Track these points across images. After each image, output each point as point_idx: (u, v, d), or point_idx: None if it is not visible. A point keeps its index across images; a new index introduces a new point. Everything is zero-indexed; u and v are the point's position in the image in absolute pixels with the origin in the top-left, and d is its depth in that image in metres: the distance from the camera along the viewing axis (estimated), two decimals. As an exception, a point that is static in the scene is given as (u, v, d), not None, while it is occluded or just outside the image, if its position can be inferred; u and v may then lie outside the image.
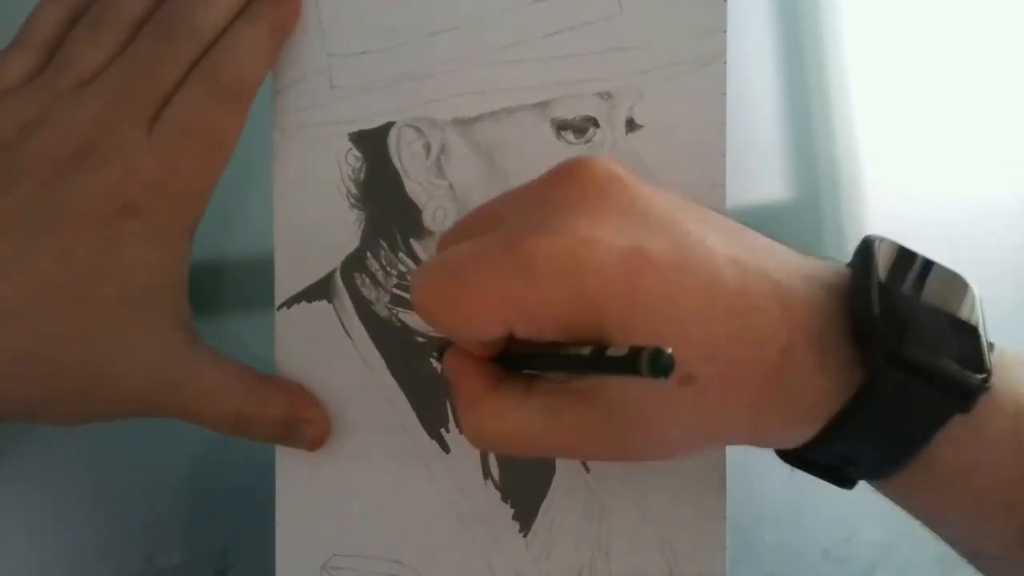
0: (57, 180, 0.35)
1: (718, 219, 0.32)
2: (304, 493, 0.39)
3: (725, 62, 0.38)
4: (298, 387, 0.39)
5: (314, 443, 0.39)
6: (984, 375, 0.30)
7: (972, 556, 0.34)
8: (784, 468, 0.33)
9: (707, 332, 0.29)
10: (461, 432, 0.33)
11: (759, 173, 0.49)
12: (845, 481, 0.33)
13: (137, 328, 0.35)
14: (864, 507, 0.33)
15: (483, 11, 0.38)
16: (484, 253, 0.30)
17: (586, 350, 0.28)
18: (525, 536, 0.39)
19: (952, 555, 0.34)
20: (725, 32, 0.38)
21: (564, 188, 0.31)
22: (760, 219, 0.48)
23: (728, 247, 0.30)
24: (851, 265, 0.32)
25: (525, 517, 0.39)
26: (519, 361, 0.33)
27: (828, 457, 0.32)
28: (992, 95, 0.51)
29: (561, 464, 0.39)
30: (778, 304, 0.30)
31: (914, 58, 0.50)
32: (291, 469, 0.39)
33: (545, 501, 0.39)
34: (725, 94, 0.38)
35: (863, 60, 0.50)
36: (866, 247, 0.32)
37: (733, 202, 0.39)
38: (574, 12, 0.38)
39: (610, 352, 0.27)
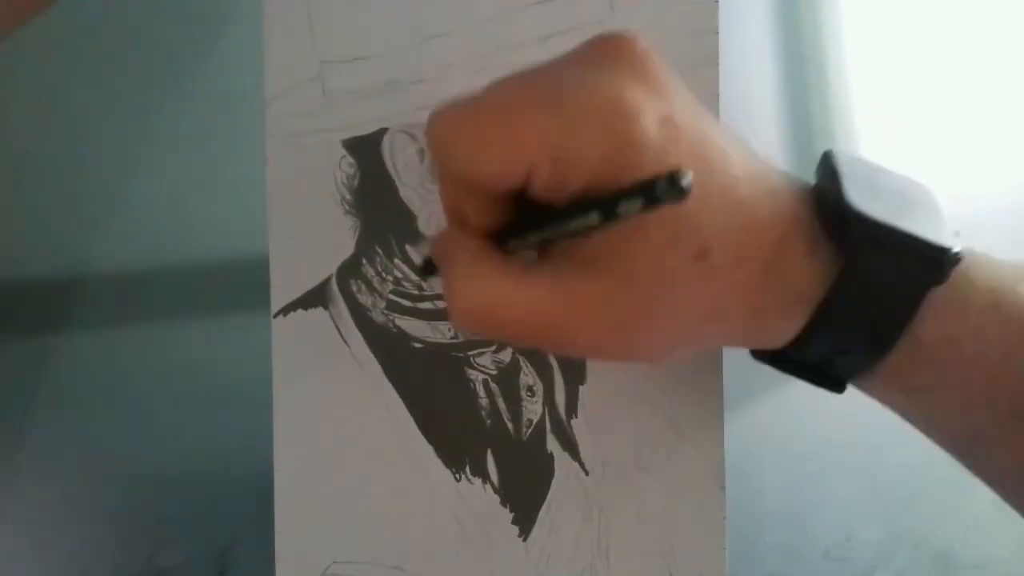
0: None
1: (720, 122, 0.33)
2: (303, 500, 0.39)
3: (718, 64, 0.38)
4: None
5: None
6: (954, 248, 0.31)
7: (968, 444, 0.35)
8: (785, 469, 0.33)
9: (722, 213, 0.30)
10: (449, 317, 0.30)
11: None
12: (835, 384, 0.34)
13: None
14: (864, 507, 0.33)
15: (475, 16, 0.38)
16: (524, 90, 0.29)
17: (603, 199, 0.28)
18: (524, 540, 0.39)
19: (952, 555, 0.34)
20: (717, 34, 0.38)
21: (607, 52, 0.30)
22: None
23: (736, 143, 0.32)
24: (818, 172, 0.34)
25: (524, 521, 0.39)
26: (521, 230, 0.31)
27: (817, 352, 0.33)
28: (992, 95, 0.51)
29: (559, 467, 0.39)
30: (774, 198, 0.31)
31: (914, 58, 0.50)
32: (289, 476, 0.39)
33: (544, 505, 0.39)
34: (719, 95, 0.38)
35: (863, 60, 0.50)
36: (828, 157, 0.33)
37: None
38: (566, 16, 0.38)
39: (628, 189, 0.27)
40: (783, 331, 0.32)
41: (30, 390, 0.44)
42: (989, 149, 0.51)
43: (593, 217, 0.28)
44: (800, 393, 0.36)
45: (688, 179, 0.25)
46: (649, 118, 0.29)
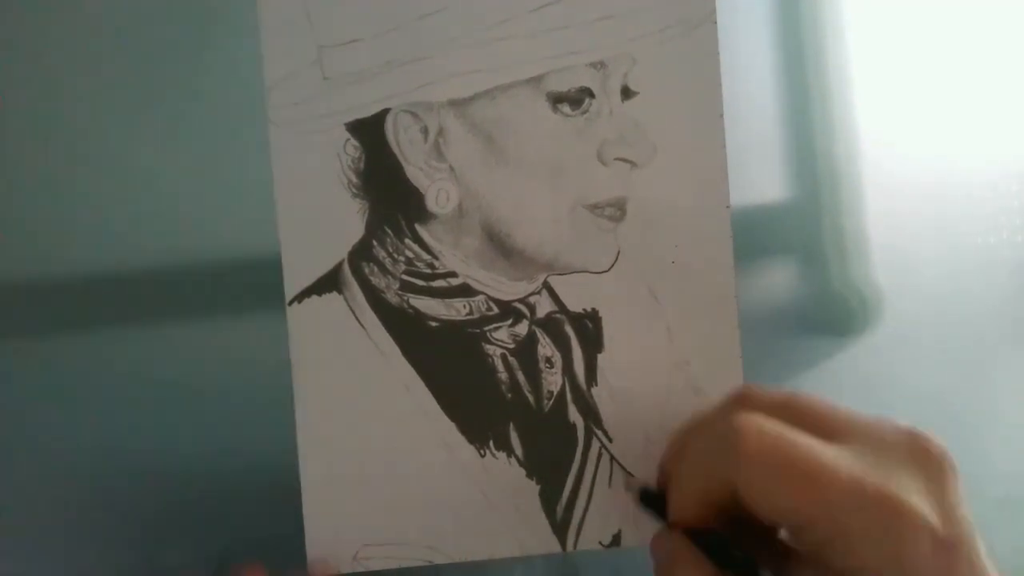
0: None
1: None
2: (329, 486, 0.39)
3: (715, 22, 0.38)
4: None
5: None
6: None
7: None
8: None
9: None
10: None
11: (759, 173, 0.49)
12: None
13: None
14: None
15: (470, -10, 0.38)
16: (832, 463, 0.31)
17: None
18: (553, 510, 0.39)
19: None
20: (714, -9, 0.38)
21: (919, 452, 0.33)
22: (760, 219, 0.48)
23: (990, 566, 0.32)
24: None
25: (551, 492, 0.39)
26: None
27: None
28: (993, 94, 0.51)
29: (583, 436, 0.39)
30: None
31: (915, 57, 0.50)
32: (314, 462, 0.39)
33: (570, 475, 0.39)
34: (718, 54, 0.38)
35: (863, 59, 0.50)
36: None
37: (733, 202, 0.39)
38: (560, -17, 0.38)
39: None
40: None
41: (31, 389, 0.44)
42: (990, 149, 0.51)
43: None
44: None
45: None
46: (931, 540, 0.30)
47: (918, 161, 0.50)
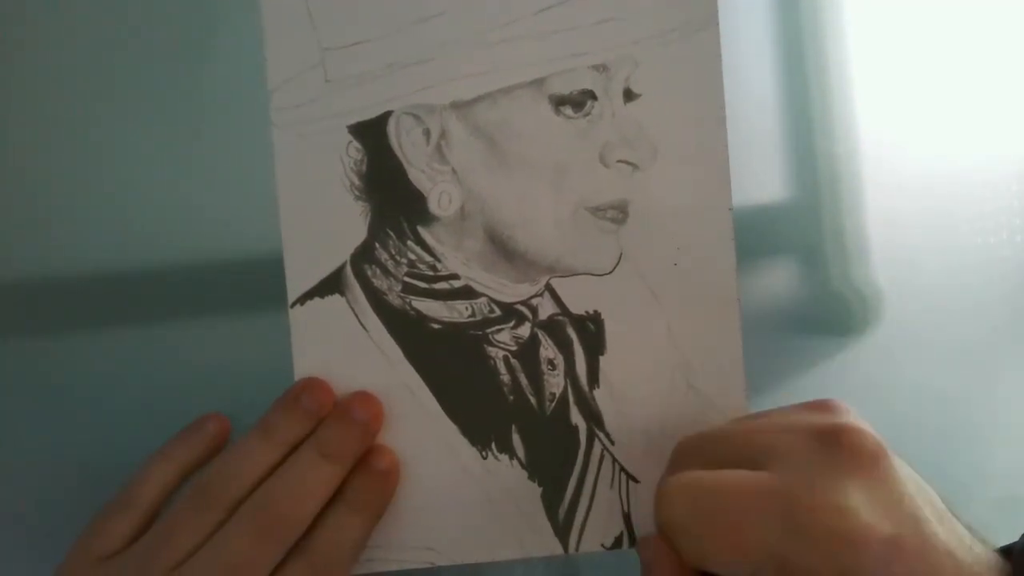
0: None
1: (933, 499, 0.33)
2: None
3: (717, 24, 0.38)
4: None
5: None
6: None
7: None
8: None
9: None
10: None
11: (759, 173, 0.49)
12: None
13: None
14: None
15: (472, -8, 0.38)
16: (753, 494, 0.31)
17: None
18: (555, 512, 0.40)
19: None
20: (716, -6, 0.38)
21: (837, 453, 0.31)
22: (760, 219, 0.48)
23: (947, 537, 0.31)
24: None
25: (553, 494, 0.39)
26: None
27: None
28: (993, 94, 0.51)
29: (585, 438, 0.39)
30: None
31: (915, 57, 0.50)
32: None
33: (572, 476, 0.39)
34: (721, 57, 0.38)
35: (864, 59, 0.50)
36: None
37: (733, 202, 0.39)
38: (563, -14, 0.38)
39: None
40: None
41: (30, 389, 0.44)
42: (990, 149, 0.51)
43: None
44: (801, 392, 0.36)
45: None
46: (875, 545, 0.29)
47: (918, 161, 0.50)
